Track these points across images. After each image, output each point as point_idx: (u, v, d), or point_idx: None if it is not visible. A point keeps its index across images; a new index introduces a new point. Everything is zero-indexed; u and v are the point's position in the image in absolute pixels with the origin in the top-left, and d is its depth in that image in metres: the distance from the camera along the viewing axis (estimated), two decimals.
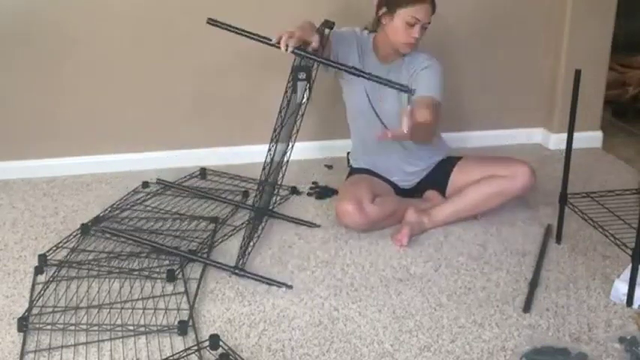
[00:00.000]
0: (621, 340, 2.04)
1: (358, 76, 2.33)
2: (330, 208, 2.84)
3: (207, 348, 1.98)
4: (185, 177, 3.15)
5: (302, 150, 3.24)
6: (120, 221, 2.75)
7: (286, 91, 2.32)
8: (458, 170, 2.78)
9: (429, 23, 2.61)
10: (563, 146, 2.51)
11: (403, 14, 2.57)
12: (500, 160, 2.80)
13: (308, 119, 2.89)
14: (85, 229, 2.64)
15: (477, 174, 2.71)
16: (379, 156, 2.83)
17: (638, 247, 2.17)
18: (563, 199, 2.56)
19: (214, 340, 1.99)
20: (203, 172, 3.20)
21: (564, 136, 2.49)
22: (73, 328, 2.11)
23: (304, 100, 2.67)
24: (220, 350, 1.98)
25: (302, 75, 2.77)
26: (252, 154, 3.18)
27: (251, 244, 2.50)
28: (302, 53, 2.32)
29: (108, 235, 2.61)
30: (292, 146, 2.54)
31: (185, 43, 3.19)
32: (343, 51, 2.69)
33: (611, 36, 3.43)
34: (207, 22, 2.43)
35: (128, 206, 2.89)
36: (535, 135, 3.65)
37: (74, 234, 2.63)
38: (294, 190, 3.04)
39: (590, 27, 3.40)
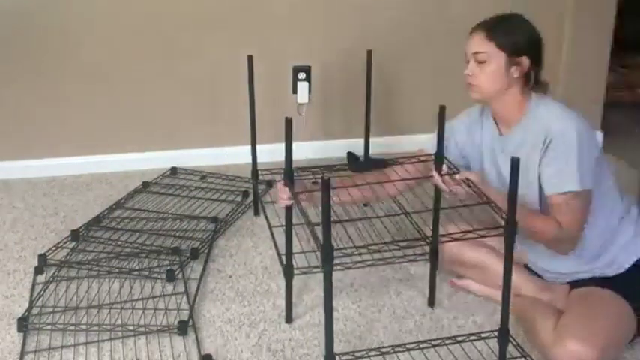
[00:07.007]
0: None
1: None
2: None
3: None
4: (158, 177, 3.16)
5: (302, 150, 3.24)
6: (119, 222, 2.75)
7: None
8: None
9: (484, 54, 2.10)
10: None
11: None
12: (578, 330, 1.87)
13: (308, 119, 2.90)
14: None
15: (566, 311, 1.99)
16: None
17: None
18: None
19: None
20: (174, 171, 3.22)
21: None
22: (73, 328, 2.11)
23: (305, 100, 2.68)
24: None
25: (302, 75, 2.78)
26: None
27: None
28: None
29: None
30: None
31: (186, 46, 3.19)
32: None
33: (611, 36, 3.43)
34: None
35: (127, 207, 2.89)
36: None
37: (65, 240, 2.62)
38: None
39: (591, 27, 3.40)
